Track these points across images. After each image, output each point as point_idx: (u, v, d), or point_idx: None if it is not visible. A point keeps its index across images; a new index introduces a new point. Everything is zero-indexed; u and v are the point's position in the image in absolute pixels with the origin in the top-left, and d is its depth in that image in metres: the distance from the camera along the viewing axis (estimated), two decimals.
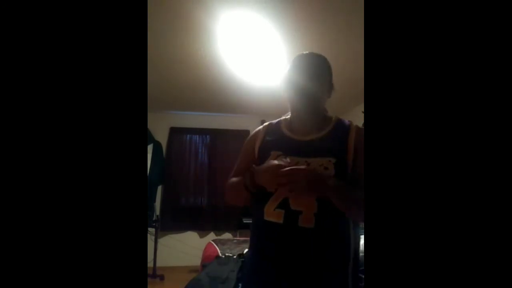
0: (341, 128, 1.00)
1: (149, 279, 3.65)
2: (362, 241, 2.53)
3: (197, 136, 4.68)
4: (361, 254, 2.36)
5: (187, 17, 2.00)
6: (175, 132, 4.58)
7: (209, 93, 3.54)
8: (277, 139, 1.01)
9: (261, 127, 1.09)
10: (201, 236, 4.46)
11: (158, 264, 3.88)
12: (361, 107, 3.52)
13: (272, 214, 0.93)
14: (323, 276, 0.91)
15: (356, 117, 3.86)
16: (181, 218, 4.45)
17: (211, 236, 4.40)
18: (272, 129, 1.06)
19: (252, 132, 1.11)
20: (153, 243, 3.96)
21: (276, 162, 0.88)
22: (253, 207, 1.03)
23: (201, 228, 4.47)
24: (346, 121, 1.03)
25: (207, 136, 4.69)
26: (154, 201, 4.29)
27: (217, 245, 3.25)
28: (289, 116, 1.07)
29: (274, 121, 1.09)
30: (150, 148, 4.27)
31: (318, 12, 1.94)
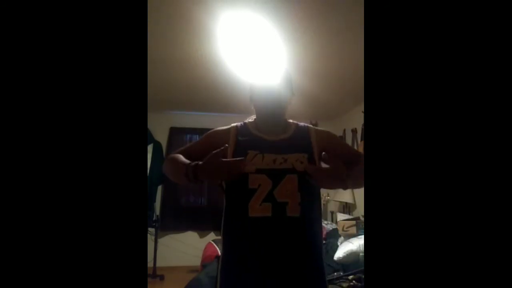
0: (302, 130, 1.14)
1: (149, 279, 3.65)
2: (361, 241, 2.51)
3: (197, 136, 4.67)
4: (361, 254, 2.35)
5: (187, 17, 2.00)
6: (175, 132, 4.58)
7: (209, 93, 3.54)
8: (250, 140, 1.08)
9: (228, 127, 1.14)
10: (201, 236, 4.46)
11: (158, 264, 3.88)
12: (361, 107, 3.52)
13: (258, 209, 0.96)
14: (306, 260, 0.98)
15: (356, 117, 3.86)
16: (181, 218, 4.44)
17: (211, 236, 4.40)
18: (242, 131, 1.12)
19: (220, 128, 1.15)
20: (153, 243, 3.96)
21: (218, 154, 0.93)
22: (230, 207, 1.05)
23: (201, 228, 4.47)
24: (302, 124, 1.17)
25: None
26: (154, 201, 4.29)
27: (217, 245, 3.25)
28: (253, 120, 1.17)
29: (239, 123, 1.17)
30: (150, 148, 4.27)
31: (317, 12, 1.94)
